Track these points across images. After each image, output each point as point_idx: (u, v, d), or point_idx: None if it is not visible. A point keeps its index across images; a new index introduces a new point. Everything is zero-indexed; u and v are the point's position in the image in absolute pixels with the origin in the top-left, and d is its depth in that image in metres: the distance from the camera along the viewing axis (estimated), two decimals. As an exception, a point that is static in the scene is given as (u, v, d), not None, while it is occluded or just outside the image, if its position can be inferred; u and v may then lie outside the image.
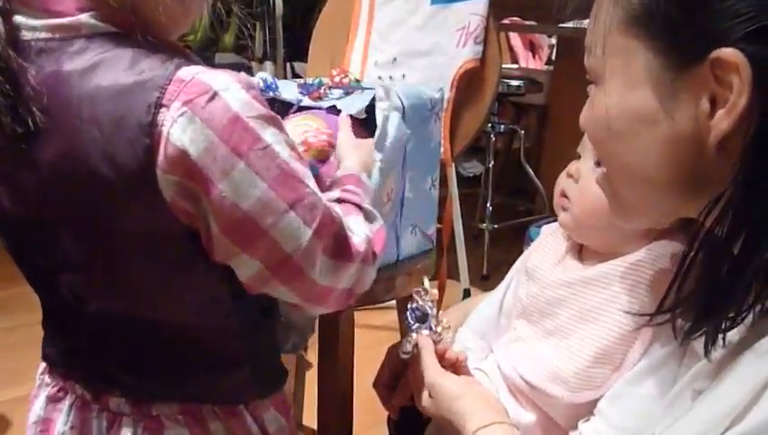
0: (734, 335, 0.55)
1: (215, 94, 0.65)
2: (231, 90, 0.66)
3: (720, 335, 0.54)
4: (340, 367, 1.09)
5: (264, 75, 1.06)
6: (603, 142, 0.61)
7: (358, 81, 1.08)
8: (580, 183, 0.83)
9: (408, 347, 0.84)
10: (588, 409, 0.75)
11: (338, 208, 0.77)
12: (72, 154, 0.66)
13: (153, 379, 0.79)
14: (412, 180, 1.10)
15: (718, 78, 0.51)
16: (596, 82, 0.60)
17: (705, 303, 0.56)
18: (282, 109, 1.03)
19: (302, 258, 0.71)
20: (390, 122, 0.99)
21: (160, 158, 0.64)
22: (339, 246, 0.74)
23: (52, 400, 0.83)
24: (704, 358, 0.57)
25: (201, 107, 0.64)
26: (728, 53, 0.49)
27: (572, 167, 0.85)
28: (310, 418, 1.44)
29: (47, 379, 0.85)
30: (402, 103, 1.02)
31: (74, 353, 0.82)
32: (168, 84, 0.64)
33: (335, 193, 0.84)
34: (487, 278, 2.89)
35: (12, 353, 2.35)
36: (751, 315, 0.52)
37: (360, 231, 0.79)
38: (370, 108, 1.01)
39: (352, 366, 1.16)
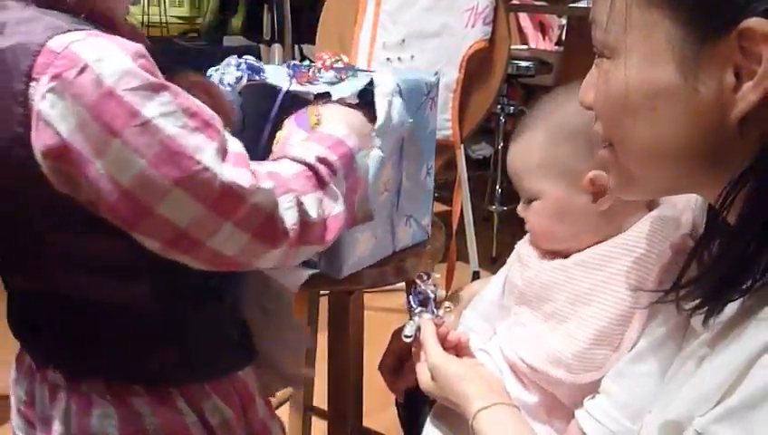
0: (733, 306, 0.54)
1: (84, 67, 0.60)
2: (106, 60, 0.61)
3: (721, 308, 0.54)
4: (350, 349, 1.10)
5: (240, 60, 0.98)
6: (616, 117, 0.59)
7: (351, 65, 1.01)
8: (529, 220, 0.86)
9: (410, 331, 0.85)
10: (592, 388, 0.76)
11: (270, 184, 0.69)
12: None
13: (77, 353, 0.78)
14: (407, 169, 1.04)
15: (745, 50, 0.49)
16: (609, 56, 0.57)
17: (713, 286, 0.55)
18: (268, 93, 0.97)
19: (198, 231, 0.66)
20: (394, 109, 0.94)
21: (34, 134, 0.62)
22: (259, 224, 0.68)
23: (18, 362, 0.85)
24: (703, 334, 0.57)
25: (70, 81, 0.60)
26: (759, 22, 0.48)
27: (519, 208, 0.87)
28: (320, 400, 1.45)
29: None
30: (400, 89, 0.96)
31: (20, 325, 0.82)
32: (38, 55, 0.61)
33: (304, 156, 0.76)
34: (496, 260, 2.89)
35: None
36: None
37: (312, 210, 0.72)
38: (364, 93, 0.94)
39: (362, 348, 1.17)
